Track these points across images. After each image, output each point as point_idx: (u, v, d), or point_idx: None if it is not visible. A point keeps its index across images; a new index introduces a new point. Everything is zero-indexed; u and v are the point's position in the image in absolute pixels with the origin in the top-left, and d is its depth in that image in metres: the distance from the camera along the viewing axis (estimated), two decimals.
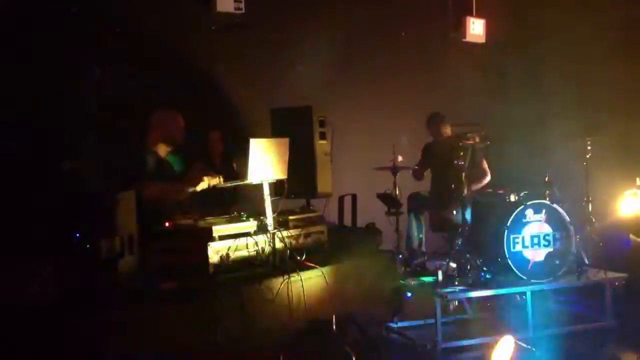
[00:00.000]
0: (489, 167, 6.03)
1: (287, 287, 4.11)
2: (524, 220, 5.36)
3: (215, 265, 3.99)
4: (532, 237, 5.37)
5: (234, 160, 5.93)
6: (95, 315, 3.36)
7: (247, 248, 4.21)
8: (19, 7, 5.28)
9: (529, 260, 5.34)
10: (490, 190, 5.92)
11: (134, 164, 4.58)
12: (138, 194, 4.23)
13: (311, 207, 5.45)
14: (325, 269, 4.41)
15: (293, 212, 4.82)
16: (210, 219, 4.36)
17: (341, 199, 5.85)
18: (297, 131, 5.53)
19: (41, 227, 4.21)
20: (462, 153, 5.51)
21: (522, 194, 5.54)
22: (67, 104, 5.34)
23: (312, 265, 4.37)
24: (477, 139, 5.66)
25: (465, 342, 5.00)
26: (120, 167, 4.59)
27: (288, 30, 6.82)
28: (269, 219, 4.37)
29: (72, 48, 5.43)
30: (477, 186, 5.88)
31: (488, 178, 5.99)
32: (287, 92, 6.54)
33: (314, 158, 5.65)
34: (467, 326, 5.40)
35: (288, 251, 4.39)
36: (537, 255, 5.37)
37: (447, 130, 6.18)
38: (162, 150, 4.76)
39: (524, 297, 5.21)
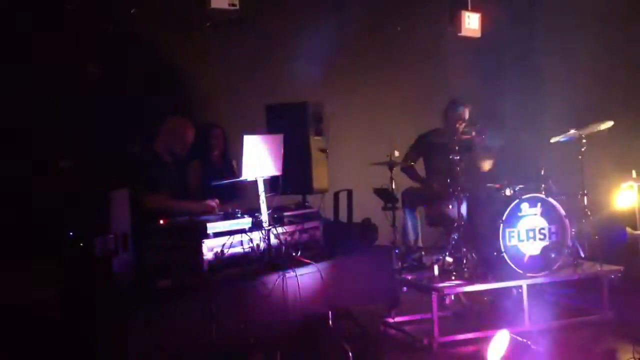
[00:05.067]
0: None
1: (283, 283, 4.11)
2: (519, 214, 5.37)
3: (210, 262, 4.00)
4: (527, 230, 5.37)
5: (233, 159, 5.92)
6: (91, 313, 3.36)
7: (242, 245, 4.21)
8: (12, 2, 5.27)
9: (524, 254, 5.35)
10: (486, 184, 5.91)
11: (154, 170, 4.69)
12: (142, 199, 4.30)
13: (307, 203, 5.46)
14: (321, 265, 4.42)
15: (288, 208, 4.82)
16: (204, 216, 4.36)
17: (337, 195, 5.85)
18: (292, 127, 5.54)
19: (36, 227, 4.22)
20: (457, 148, 5.52)
21: (517, 188, 5.55)
22: (63, 102, 5.33)
23: (308, 261, 4.38)
24: (473, 133, 5.67)
25: (461, 337, 5.00)
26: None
27: (282, 26, 6.81)
28: (264, 216, 4.37)
29: (68, 46, 5.42)
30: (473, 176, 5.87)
31: (486, 163, 5.95)
32: (282, 88, 6.53)
33: (309, 154, 5.66)
34: (464, 320, 5.41)
35: (283, 247, 4.39)
36: (532, 248, 5.38)
37: (461, 123, 5.94)
38: (168, 155, 4.83)
39: (520, 290, 5.22)
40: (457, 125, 5.91)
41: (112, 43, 5.70)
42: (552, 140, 5.79)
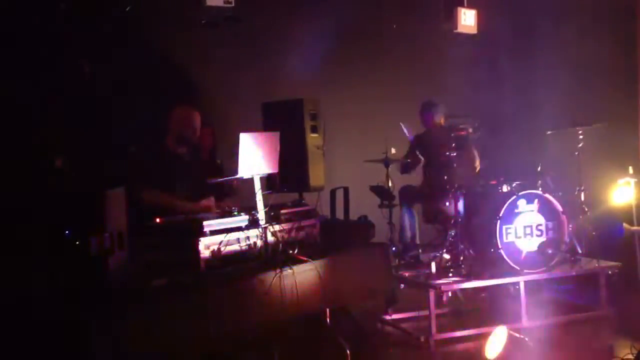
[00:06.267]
0: (480, 158, 6.04)
1: (280, 281, 4.09)
2: (516, 210, 5.36)
3: (207, 261, 3.97)
4: (524, 227, 5.37)
5: (218, 157, 5.91)
6: (87, 312, 3.34)
7: (238, 243, 4.19)
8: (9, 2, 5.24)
9: (521, 251, 5.35)
10: (483, 181, 5.91)
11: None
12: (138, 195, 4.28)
13: (303, 201, 5.44)
14: (318, 263, 4.40)
15: (285, 206, 4.80)
16: (201, 214, 4.35)
17: (333, 192, 5.84)
18: (288, 125, 5.53)
19: (33, 226, 4.19)
20: (454, 144, 5.52)
21: (514, 184, 5.55)
22: (56, 100, 5.31)
23: (305, 258, 4.35)
24: (470, 130, 5.67)
25: (459, 333, 5.01)
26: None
27: (279, 23, 6.80)
28: (261, 213, 4.36)
29: (61, 44, 5.39)
30: (469, 173, 5.88)
31: (478, 162, 6.00)
32: (278, 86, 6.52)
33: (305, 151, 5.67)
34: (461, 317, 5.42)
35: (280, 245, 4.37)
36: (530, 245, 5.38)
37: (441, 120, 6.15)
38: (182, 147, 4.85)
39: (517, 287, 5.21)
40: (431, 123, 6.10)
41: (107, 42, 5.68)
42: (549, 132, 5.81)
